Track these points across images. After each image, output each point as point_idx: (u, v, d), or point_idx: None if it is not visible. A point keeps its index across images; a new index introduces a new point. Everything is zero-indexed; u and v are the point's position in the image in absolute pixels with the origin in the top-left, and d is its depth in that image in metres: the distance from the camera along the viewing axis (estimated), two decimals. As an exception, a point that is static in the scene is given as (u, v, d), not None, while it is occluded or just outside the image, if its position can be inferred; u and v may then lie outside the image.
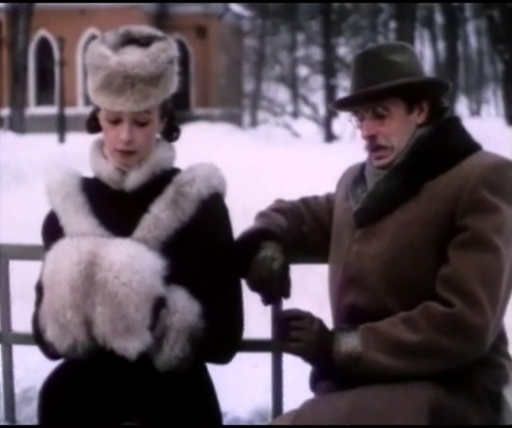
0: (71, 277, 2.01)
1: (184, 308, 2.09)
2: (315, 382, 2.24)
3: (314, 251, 2.46)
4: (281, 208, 2.42)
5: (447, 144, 2.17)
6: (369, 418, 1.93)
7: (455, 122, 2.23)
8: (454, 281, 2.03)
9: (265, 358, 2.55)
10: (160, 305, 2.05)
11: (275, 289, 2.22)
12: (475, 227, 2.04)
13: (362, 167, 2.32)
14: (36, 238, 2.38)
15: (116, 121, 2.12)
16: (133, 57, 2.09)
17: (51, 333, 2.07)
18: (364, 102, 2.19)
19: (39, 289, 2.15)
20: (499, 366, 2.12)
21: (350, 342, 2.07)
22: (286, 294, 2.25)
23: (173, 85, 2.18)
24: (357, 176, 2.31)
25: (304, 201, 2.48)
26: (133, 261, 2.02)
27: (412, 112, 2.19)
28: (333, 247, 2.35)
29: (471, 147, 2.17)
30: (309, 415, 1.99)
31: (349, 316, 2.17)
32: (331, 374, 2.12)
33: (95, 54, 2.12)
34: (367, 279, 2.14)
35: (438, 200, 2.09)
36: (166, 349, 2.07)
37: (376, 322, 2.08)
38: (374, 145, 2.19)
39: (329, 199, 2.47)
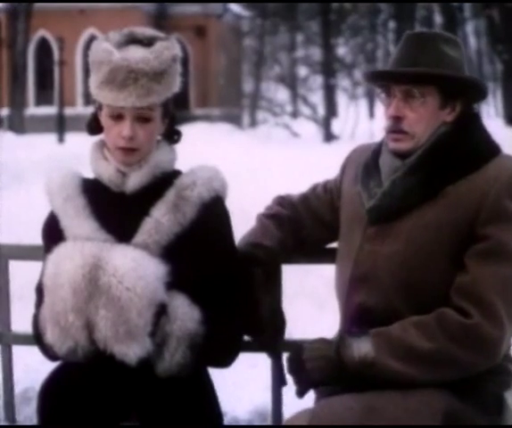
0: (74, 280, 2.01)
1: (184, 315, 2.08)
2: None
3: (316, 250, 2.44)
4: (279, 214, 2.37)
5: (469, 145, 2.11)
6: (384, 422, 1.92)
7: (476, 121, 2.18)
8: (472, 291, 1.99)
9: (264, 358, 2.55)
10: (161, 311, 2.05)
11: (268, 338, 2.24)
12: (497, 238, 2.00)
13: (375, 153, 2.25)
14: (35, 238, 2.38)
15: (118, 118, 2.12)
16: (137, 53, 2.10)
17: (51, 336, 2.07)
18: (403, 81, 2.12)
19: (39, 290, 2.15)
20: (505, 371, 2.11)
21: (362, 347, 2.04)
22: (282, 334, 2.27)
23: (176, 84, 2.18)
24: (369, 164, 2.24)
25: (303, 200, 2.42)
26: (137, 267, 2.02)
27: (444, 108, 2.14)
28: (342, 241, 2.30)
29: (493, 150, 2.13)
30: (326, 416, 1.97)
31: (357, 314, 2.15)
32: (338, 379, 2.08)
33: (99, 50, 2.12)
34: (379, 279, 2.11)
35: (458, 206, 2.05)
36: (167, 356, 2.07)
37: (387, 327, 2.05)
38: (396, 128, 2.13)
39: (327, 188, 2.40)
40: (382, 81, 2.18)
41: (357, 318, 2.13)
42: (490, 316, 1.97)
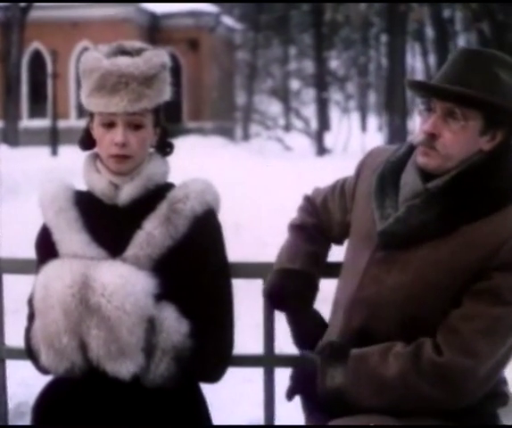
0: (64, 300, 2.01)
1: (170, 327, 2.08)
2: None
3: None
4: (306, 224, 2.34)
5: (495, 183, 1.99)
6: None
7: (507, 155, 2.04)
8: (455, 327, 1.94)
9: (258, 373, 2.55)
10: (153, 326, 2.06)
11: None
12: (498, 282, 1.93)
13: (395, 165, 2.13)
14: (29, 252, 2.38)
15: (110, 125, 2.13)
16: (126, 60, 2.13)
17: (46, 358, 2.07)
18: (446, 98, 1.98)
19: (31, 303, 2.15)
20: (501, 393, 2.09)
21: (336, 377, 2.01)
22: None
23: (166, 92, 2.20)
24: (386, 176, 2.13)
25: (324, 201, 2.37)
26: (125, 283, 2.02)
27: (484, 135, 1.99)
28: (349, 254, 2.23)
29: None
30: None
31: (356, 337, 2.08)
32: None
33: (90, 59, 2.15)
34: (382, 309, 2.04)
35: (473, 247, 1.95)
36: (151, 367, 2.07)
37: (369, 350, 2.02)
38: (429, 145, 2.00)
39: (344, 190, 2.32)
40: (424, 93, 2.04)
41: (355, 340, 2.07)
42: (462, 350, 1.92)
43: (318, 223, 2.37)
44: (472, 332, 1.93)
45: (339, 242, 2.39)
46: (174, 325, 2.09)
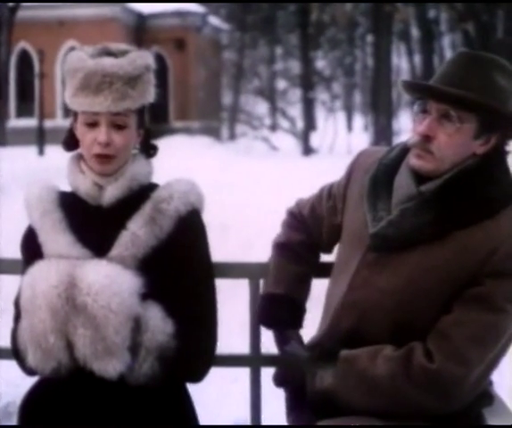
0: (51, 300, 2.01)
1: (155, 327, 2.08)
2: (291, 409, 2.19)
3: None
4: (292, 243, 2.34)
5: (487, 189, 1.98)
6: None
7: (502, 159, 2.04)
8: (446, 333, 1.93)
9: (244, 373, 2.56)
10: (139, 325, 2.06)
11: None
12: (490, 288, 1.92)
13: (389, 168, 2.13)
14: (17, 252, 2.37)
15: (93, 125, 2.13)
16: (111, 60, 2.13)
17: (33, 358, 2.07)
18: (442, 99, 1.96)
19: (18, 304, 2.15)
20: (486, 394, 2.10)
21: (325, 379, 2.02)
22: None
23: (150, 93, 2.20)
24: (378, 178, 2.12)
25: (311, 209, 2.36)
26: (111, 283, 2.02)
27: (478, 139, 1.98)
28: (341, 255, 2.23)
29: (511, 195, 2.00)
30: None
31: (345, 339, 2.08)
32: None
33: (74, 59, 2.16)
34: (372, 311, 2.03)
35: (465, 253, 1.94)
36: (135, 366, 2.07)
37: (357, 353, 2.01)
38: (424, 147, 1.98)
39: (331, 194, 2.31)
40: (420, 94, 2.03)
41: (345, 342, 2.07)
42: (454, 356, 1.91)
43: (305, 238, 2.35)
44: (463, 338, 1.92)
45: (328, 250, 2.38)
46: (159, 324, 2.09)
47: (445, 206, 1.98)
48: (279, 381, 2.19)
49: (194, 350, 2.15)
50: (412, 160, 2.03)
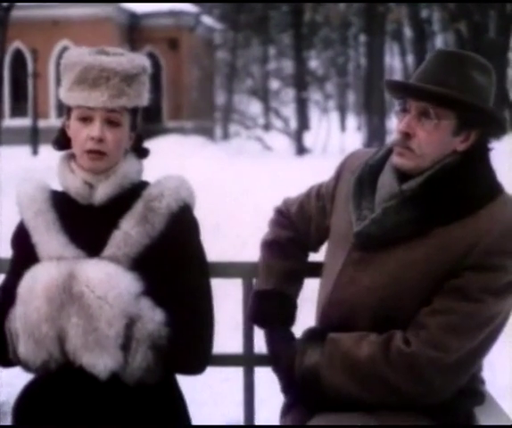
0: (48, 288, 2.03)
1: (143, 317, 2.08)
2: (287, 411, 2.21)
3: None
4: (279, 239, 2.35)
5: (468, 186, 2.00)
6: None
7: (483, 156, 2.06)
8: (424, 321, 1.97)
9: (236, 373, 2.56)
10: (132, 323, 2.06)
11: None
12: (470, 280, 1.95)
13: (373, 168, 2.16)
14: (9, 251, 2.37)
15: (87, 120, 2.14)
16: (109, 57, 2.15)
17: (24, 349, 2.07)
18: (421, 97, 2.00)
19: (3, 290, 2.17)
20: (477, 391, 2.12)
21: (313, 356, 2.05)
22: None
23: (145, 95, 2.21)
24: (363, 179, 2.15)
25: (300, 208, 2.37)
26: (110, 279, 2.04)
27: (458, 135, 2.02)
28: (328, 255, 2.26)
29: (492, 192, 2.02)
30: None
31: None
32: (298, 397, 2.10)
33: (73, 54, 2.18)
34: (357, 309, 2.07)
35: (446, 249, 1.98)
36: (129, 360, 2.07)
37: (343, 335, 2.06)
38: (404, 144, 2.02)
39: (320, 194, 2.34)
40: (399, 93, 2.07)
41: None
42: (429, 342, 1.95)
43: (293, 235, 2.37)
44: (439, 326, 1.96)
45: (316, 249, 2.41)
46: (148, 313, 2.09)
47: (426, 204, 2.01)
48: (273, 359, 2.20)
49: (189, 340, 2.14)
50: (394, 158, 2.06)
